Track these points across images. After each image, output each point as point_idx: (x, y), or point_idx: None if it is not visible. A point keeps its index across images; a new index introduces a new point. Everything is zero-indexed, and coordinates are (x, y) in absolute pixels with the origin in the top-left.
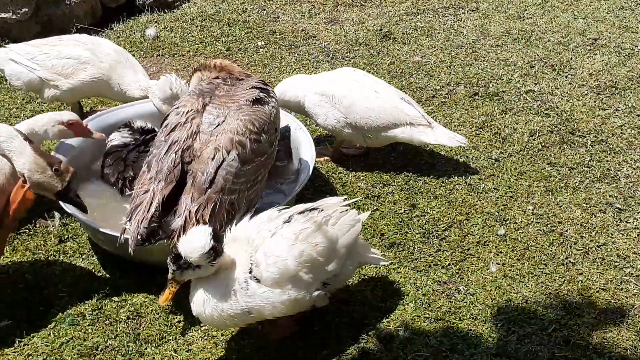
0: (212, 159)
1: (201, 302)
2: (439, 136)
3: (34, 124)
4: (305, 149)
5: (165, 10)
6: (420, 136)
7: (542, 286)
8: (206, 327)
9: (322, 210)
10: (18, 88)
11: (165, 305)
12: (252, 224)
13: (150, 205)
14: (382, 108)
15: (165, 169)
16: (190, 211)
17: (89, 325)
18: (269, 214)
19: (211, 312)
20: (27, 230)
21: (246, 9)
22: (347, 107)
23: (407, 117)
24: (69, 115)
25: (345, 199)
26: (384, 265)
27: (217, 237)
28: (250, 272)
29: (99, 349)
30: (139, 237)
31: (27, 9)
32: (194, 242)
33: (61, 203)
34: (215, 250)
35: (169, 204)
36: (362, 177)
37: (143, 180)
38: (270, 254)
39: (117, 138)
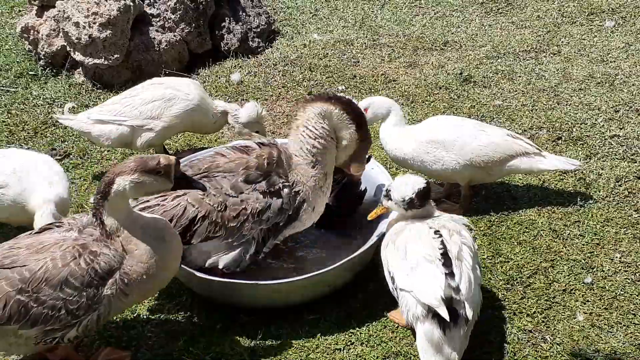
0: None
1: None
2: (555, 162)
3: None
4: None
5: (249, 55)
6: (539, 164)
7: (631, 337)
8: None
9: None
10: (108, 146)
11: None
12: None
13: None
14: (495, 143)
15: None
16: None
17: None
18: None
19: None
20: None
21: (327, 53)
22: (460, 148)
23: (520, 147)
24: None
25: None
26: None
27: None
28: None
29: None
30: None
31: (118, 55)
32: (402, 186)
33: None
34: (412, 202)
35: None
36: None
37: None
38: None
39: None
